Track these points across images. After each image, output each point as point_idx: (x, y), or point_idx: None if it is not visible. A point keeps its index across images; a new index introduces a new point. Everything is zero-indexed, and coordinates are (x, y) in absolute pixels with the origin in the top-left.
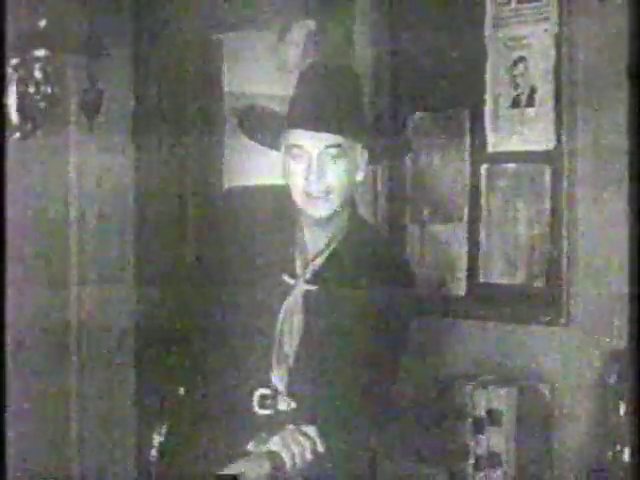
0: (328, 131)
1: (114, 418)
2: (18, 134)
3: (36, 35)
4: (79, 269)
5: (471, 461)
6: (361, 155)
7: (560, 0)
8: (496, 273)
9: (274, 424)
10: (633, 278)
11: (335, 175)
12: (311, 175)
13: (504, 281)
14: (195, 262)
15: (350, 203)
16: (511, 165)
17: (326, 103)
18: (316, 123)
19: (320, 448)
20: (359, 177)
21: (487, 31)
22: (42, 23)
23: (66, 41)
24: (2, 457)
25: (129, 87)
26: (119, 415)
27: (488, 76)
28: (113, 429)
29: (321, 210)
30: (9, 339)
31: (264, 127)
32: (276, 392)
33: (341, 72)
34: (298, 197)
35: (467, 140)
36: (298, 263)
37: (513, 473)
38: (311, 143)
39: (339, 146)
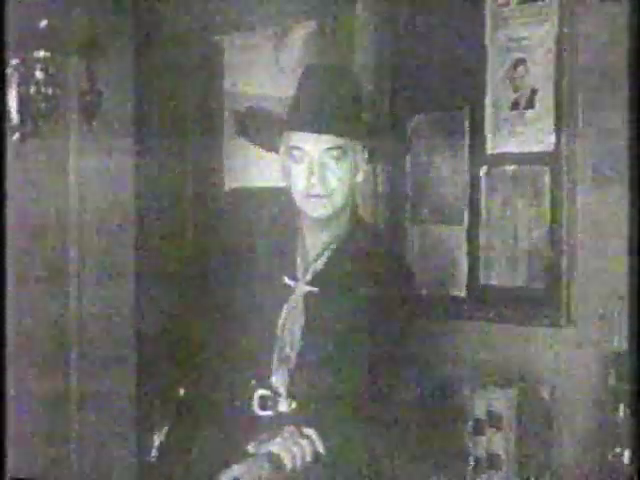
0: (329, 133)
1: (114, 418)
2: (18, 135)
3: (36, 36)
4: (79, 270)
5: (471, 463)
6: (361, 156)
7: (560, 1)
8: (496, 274)
9: (275, 425)
10: (633, 279)
11: (336, 177)
12: (312, 177)
13: (504, 282)
14: (196, 264)
15: (350, 204)
16: (511, 167)
17: (326, 105)
18: (317, 125)
19: (320, 449)
20: (359, 178)
21: (487, 32)
22: (42, 24)
23: (66, 42)
24: (2, 457)
25: (129, 88)
26: (119, 415)
27: (488, 77)
28: (113, 429)
29: (322, 211)
30: (9, 339)
31: (264, 130)
32: (277, 393)
33: (340, 74)
34: (299, 199)
35: (467, 141)
36: (299, 265)
37: (513, 475)
38: (312, 145)
39: (340, 148)
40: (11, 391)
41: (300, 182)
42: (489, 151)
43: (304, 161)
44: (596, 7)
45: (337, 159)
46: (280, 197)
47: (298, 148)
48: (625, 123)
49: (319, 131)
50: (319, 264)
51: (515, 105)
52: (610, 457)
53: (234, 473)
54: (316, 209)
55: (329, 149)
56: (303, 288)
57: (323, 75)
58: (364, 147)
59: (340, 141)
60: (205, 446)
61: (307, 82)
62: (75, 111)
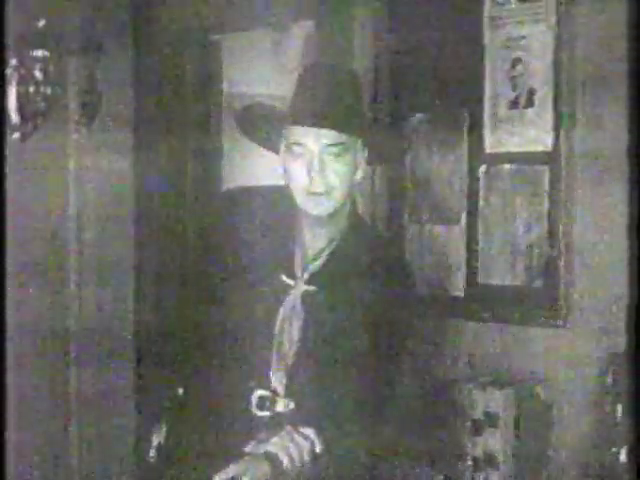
0: (330, 127)
1: (114, 418)
2: (18, 134)
3: (36, 35)
4: (79, 269)
5: (469, 463)
6: (361, 154)
7: (559, 0)
8: (495, 274)
9: (273, 425)
10: (632, 279)
11: (336, 173)
12: (312, 173)
13: (503, 282)
14: (194, 263)
15: (350, 202)
16: (510, 166)
17: (327, 100)
18: (318, 119)
19: (318, 449)
20: (359, 176)
21: (486, 32)
22: (42, 23)
23: (66, 41)
24: (2, 457)
25: (129, 87)
26: (119, 415)
27: (487, 77)
28: (113, 429)
29: (322, 209)
30: (9, 340)
31: (264, 125)
32: (275, 393)
33: (341, 72)
34: (299, 196)
35: (466, 140)
36: (297, 264)
37: (510, 475)
38: (313, 141)
39: (341, 144)
40: (11, 391)
41: (300, 179)
42: (488, 150)
43: (304, 157)
44: (595, 6)
45: (337, 155)
46: (279, 196)
47: (299, 144)
48: (624, 122)
49: (320, 125)
50: (318, 263)
51: (514, 104)
52: (608, 456)
53: (231, 473)
54: (316, 207)
55: (329, 145)
56: (301, 287)
57: (324, 72)
58: (364, 146)
59: (341, 137)
60: (203, 446)
61: (308, 79)
62: (75, 111)
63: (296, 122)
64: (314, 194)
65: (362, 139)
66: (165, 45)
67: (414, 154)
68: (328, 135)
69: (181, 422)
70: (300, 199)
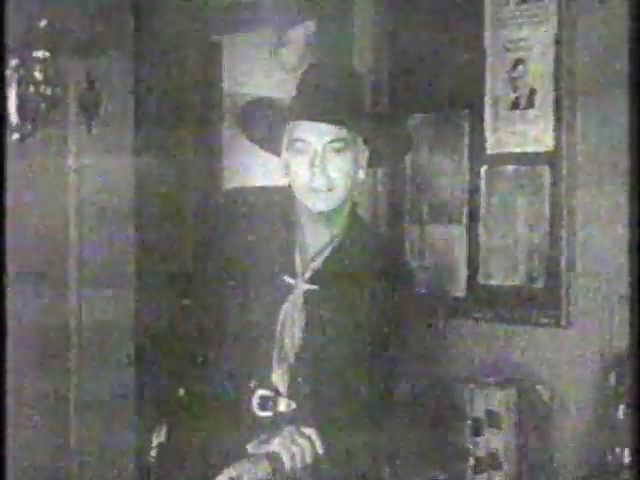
0: (333, 122)
1: (114, 418)
2: (18, 135)
3: (36, 36)
4: (79, 269)
5: (470, 463)
6: (362, 153)
7: (559, 1)
8: (496, 274)
9: (274, 426)
10: (633, 279)
11: (338, 170)
12: (314, 169)
13: (504, 282)
14: (195, 263)
15: (350, 202)
16: (510, 166)
17: (330, 96)
18: (321, 114)
19: (320, 450)
20: (361, 175)
21: (486, 32)
22: (42, 24)
23: (66, 42)
24: (2, 457)
25: (129, 87)
26: (119, 415)
27: (488, 78)
28: (113, 429)
29: (323, 205)
30: (9, 340)
31: (267, 121)
32: (277, 393)
33: (343, 70)
34: (300, 193)
35: (466, 141)
36: (298, 263)
37: (512, 475)
38: (315, 137)
39: (342, 139)
40: (11, 392)
41: (302, 175)
42: (489, 151)
43: (307, 154)
44: (595, 7)
45: (339, 151)
46: (279, 196)
47: (301, 140)
48: (625, 122)
49: (323, 119)
50: (318, 262)
51: (515, 105)
52: (610, 457)
53: (232, 473)
54: (317, 203)
55: (331, 141)
56: (303, 286)
57: (327, 70)
58: (365, 146)
59: (343, 133)
60: (204, 446)
61: (311, 76)
62: (75, 111)
63: (299, 117)
64: (315, 190)
65: (363, 137)
66: (165, 45)
67: (415, 154)
68: (330, 131)
69: (181, 422)
70: (302, 196)
